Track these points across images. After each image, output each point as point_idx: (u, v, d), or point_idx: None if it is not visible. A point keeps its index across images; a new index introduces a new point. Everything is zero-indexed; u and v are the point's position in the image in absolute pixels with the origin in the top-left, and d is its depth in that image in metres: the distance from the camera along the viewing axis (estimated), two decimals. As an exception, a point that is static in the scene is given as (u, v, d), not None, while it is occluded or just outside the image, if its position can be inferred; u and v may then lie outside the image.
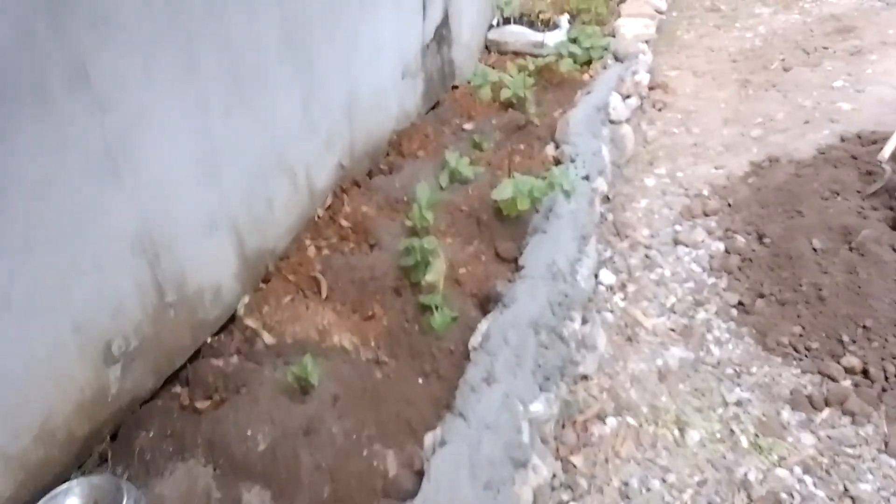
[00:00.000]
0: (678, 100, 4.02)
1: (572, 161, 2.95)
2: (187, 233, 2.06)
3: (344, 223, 2.81)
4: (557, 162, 3.04)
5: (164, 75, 1.86)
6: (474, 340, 2.03)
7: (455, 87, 4.01)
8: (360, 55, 3.00)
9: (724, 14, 5.50)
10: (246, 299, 2.38)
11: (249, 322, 2.31)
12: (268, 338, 2.25)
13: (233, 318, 2.33)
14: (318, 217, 2.82)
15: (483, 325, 2.10)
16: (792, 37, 4.46)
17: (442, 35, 3.83)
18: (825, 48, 4.06)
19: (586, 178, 2.84)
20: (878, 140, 2.91)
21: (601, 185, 2.86)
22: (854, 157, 2.93)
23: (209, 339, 2.24)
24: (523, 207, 2.49)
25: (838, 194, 2.79)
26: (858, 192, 2.76)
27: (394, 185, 3.05)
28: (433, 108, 3.84)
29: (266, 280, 2.51)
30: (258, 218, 2.41)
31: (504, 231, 2.66)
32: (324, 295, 2.43)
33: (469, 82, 3.69)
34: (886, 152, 2.71)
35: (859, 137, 3.03)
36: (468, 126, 3.61)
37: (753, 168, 3.21)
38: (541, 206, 2.61)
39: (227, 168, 2.19)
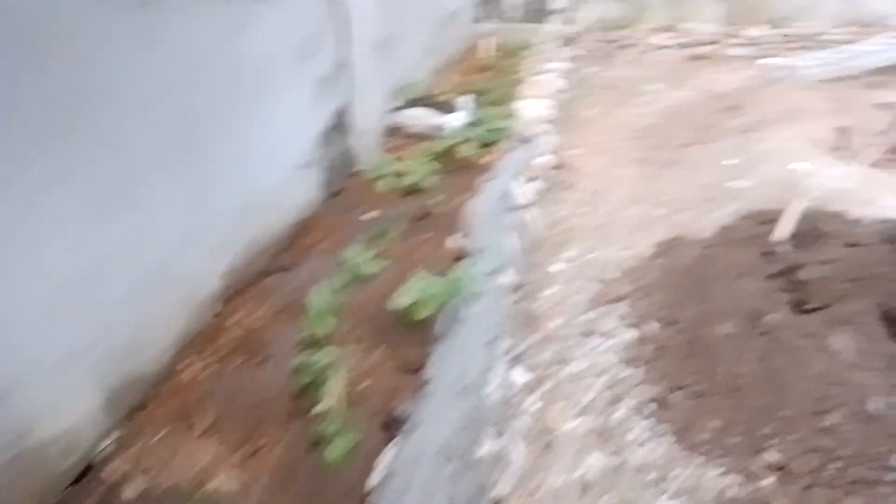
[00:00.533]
0: (583, 179, 4.03)
1: (478, 255, 2.83)
2: (37, 371, 1.76)
3: (234, 334, 2.55)
4: (463, 255, 2.91)
5: (16, 187, 1.61)
6: (375, 478, 1.80)
7: (357, 174, 3.88)
8: (255, 149, 2.82)
9: (621, 91, 5.71)
10: (112, 438, 2.06)
11: (115, 466, 1.99)
12: (136, 485, 1.94)
13: (94, 463, 2.00)
14: (206, 330, 2.55)
15: (386, 457, 1.87)
16: (686, 114, 4.64)
17: (341, 121, 3.71)
18: (717, 125, 4.21)
19: (493, 272, 2.71)
20: (775, 219, 2.96)
21: (509, 278, 2.74)
22: (755, 237, 2.96)
23: (63, 493, 1.90)
24: (426, 314, 2.32)
25: (744, 276, 2.78)
26: (762, 273, 2.77)
27: (292, 285, 2.83)
28: (335, 196, 3.68)
29: (141, 409, 2.20)
30: (132, 339, 2.13)
31: (409, 336, 2.47)
32: (206, 424, 2.14)
33: (369, 173, 3.56)
34: (782, 233, 2.74)
35: (757, 216, 3.08)
36: (371, 215, 3.46)
37: (661, 248, 3.20)
38: (446, 308, 2.45)
39: (94, 288, 1.92)
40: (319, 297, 2.54)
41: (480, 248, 2.89)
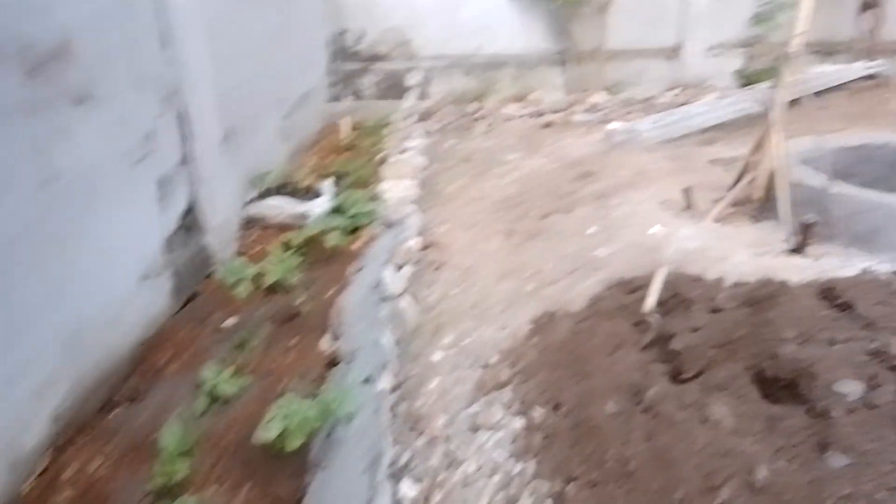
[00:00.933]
0: (453, 257, 3.97)
1: (352, 358, 2.63)
2: None
3: (67, 494, 2.15)
4: (336, 359, 2.70)
5: None
6: None
7: (213, 276, 3.57)
8: (85, 266, 2.49)
9: (479, 163, 5.82)
10: None
11: None
12: None
13: None
14: (31, 493, 2.14)
15: None
16: (543, 183, 4.77)
17: (190, 222, 3.42)
18: (573, 193, 4.35)
19: (368, 379, 2.52)
20: (641, 287, 3.01)
21: (386, 382, 2.56)
22: (624, 307, 3.00)
23: None
24: (297, 443, 2.08)
25: (619, 348, 2.78)
26: (636, 344, 2.79)
27: (139, 419, 2.47)
28: (188, 303, 3.35)
29: None
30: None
31: (280, 468, 2.20)
32: None
33: (226, 274, 3.28)
34: (650, 303, 2.78)
35: (623, 285, 3.13)
36: (231, 322, 3.17)
37: (536, 326, 3.16)
38: (319, 432, 2.22)
39: None
40: (172, 431, 2.22)
41: (354, 350, 2.70)
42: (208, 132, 3.50)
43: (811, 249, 3.63)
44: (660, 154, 5.33)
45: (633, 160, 5.03)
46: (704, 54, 7.79)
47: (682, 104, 6.91)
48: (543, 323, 3.17)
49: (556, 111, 7.14)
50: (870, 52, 7.10)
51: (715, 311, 2.60)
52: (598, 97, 7.15)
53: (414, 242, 3.77)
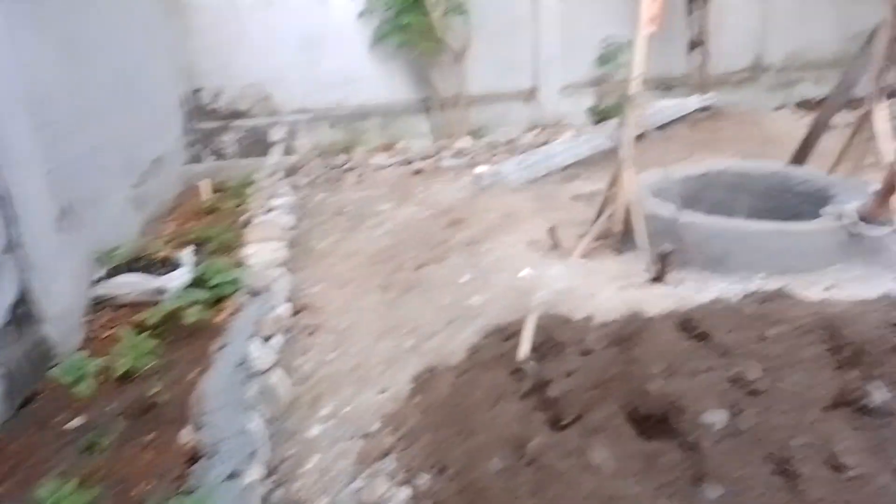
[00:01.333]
0: (328, 319, 3.82)
1: (217, 450, 2.40)
2: None
3: None
4: (198, 454, 2.45)
5: None
6: None
7: (56, 370, 3.18)
8: None
9: (351, 216, 5.72)
10: None
11: None
12: None
13: None
14: None
15: None
16: (416, 232, 4.74)
17: (22, 314, 3.04)
18: (445, 241, 4.35)
19: (238, 469, 2.30)
20: (516, 333, 3.01)
21: (256, 473, 2.35)
22: (502, 355, 2.97)
23: None
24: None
25: (500, 400, 2.74)
26: (515, 393, 2.76)
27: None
28: (26, 405, 2.95)
29: None
30: None
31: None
32: None
33: (71, 367, 2.93)
34: (524, 350, 2.77)
35: (499, 332, 3.12)
36: (76, 423, 2.81)
37: (417, 384, 3.07)
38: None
39: None
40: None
41: (218, 440, 2.47)
42: (39, 213, 3.16)
43: (670, 276, 3.82)
44: (526, 194, 5.49)
45: (500, 202, 5.13)
46: (559, 95, 8.22)
47: (543, 144, 7.21)
48: (424, 380, 3.09)
49: (424, 158, 7.22)
50: (702, 86, 7.80)
51: (586, 352, 2.63)
52: (464, 142, 7.31)
53: (284, 309, 3.58)
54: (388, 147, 7.43)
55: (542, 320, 2.99)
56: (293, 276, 4.18)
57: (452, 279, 3.76)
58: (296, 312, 3.79)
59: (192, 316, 3.48)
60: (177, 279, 3.87)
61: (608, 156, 5.77)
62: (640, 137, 6.51)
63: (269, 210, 5.01)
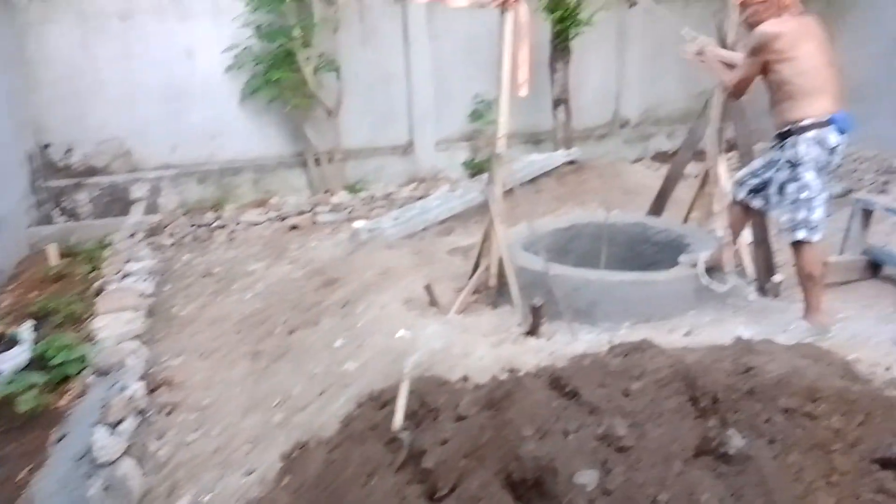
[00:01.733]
0: (189, 394, 3.52)
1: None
2: None
3: None
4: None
5: None
6: None
7: None
8: None
9: (219, 277, 5.42)
10: None
11: None
12: None
13: None
14: None
15: None
16: (288, 295, 4.54)
17: None
18: (319, 303, 4.20)
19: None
20: (391, 399, 2.90)
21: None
22: (376, 425, 2.85)
23: None
24: None
25: (375, 474, 2.60)
26: (390, 466, 2.63)
27: None
28: None
29: None
30: None
31: None
32: None
33: None
34: (398, 419, 2.67)
35: (374, 400, 3.00)
36: None
37: (286, 463, 2.86)
38: None
39: None
40: None
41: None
42: None
43: (543, 329, 3.89)
44: (403, 250, 5.46)
45: (378, 259, 5.06)
46: (434, 149, 8.37)
47: (420, 198, 7.28)
48: (294, 458, 2.89)
49: (300, 213, 7.04)
50: (566, 141, 8.23)
51: (460, 418, 2.57)
52: (341, 196, 7.22)
53: (137, 387, 3.26)
54: (261, 203, 7.19)
55: (417, 384, 2.91)
56: (151, 349, 3.85)
57: (326, 344, 3.61)
58: (152, 390, 3.47)
59: (27, 403, 3.10)
60: (11, 359, 3.45)
61: (482, 209, 5.88)
62: (511, 191, 6.76)
63: (126, 275, 4.63)
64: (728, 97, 3.69)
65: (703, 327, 3.85)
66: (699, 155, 5.19)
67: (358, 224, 6.17)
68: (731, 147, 5.65)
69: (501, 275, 4.38)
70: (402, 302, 4.00)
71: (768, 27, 3.34)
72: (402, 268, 4.90)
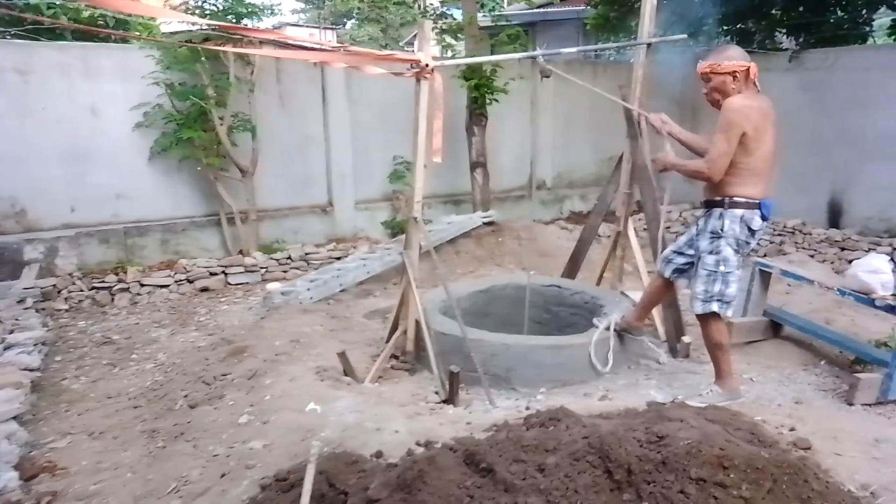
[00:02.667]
0: (74, 481, 3.18)
1: None
2: None
3: None
4: None
5: None
6: None
7: None
8: None
9: (118, 345, 5.06)
10: None
11: None
12: None
13: None
14: None
15: None
16: (192, 366, 4.27)
17: None
18: (224, 375, 3.95)
19: None
20: (298, 482, 2.70)
21: None
22: (279, 512, 2.64)
23: None
24: None
25: (276, 569, 2.40)
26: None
27: None
28: None
29: None
30: None
31: None
32: None
33: None
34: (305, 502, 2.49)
35: (280, 482, 2.79)
36: None
37: (179, 558, 2.60)
38: None
39: None
40: None
41: None
42: None
43: (461, 397, 3.81)
44: (319, 314, 5.29)
45: (291, 324, 4.87)
46: (354, 209, 8.31)
47: (339, 258, 7.15)
48: (189, 552, 2.63)
49: (211, 275, 6.75)
50: (484, 202, 8.37)
51: (370, 502, 2.42)
52: (255, 258, 6.99)
53: (10, 477, 2.91)
54: (169, 264, 6.85)
55: (326, 464, 2.73)
56: (32, 431, 3.49)
57: (230, 420, 3.37)
58: (29, 478, 3.11)
59: None
60: None
61: (401, 270, 5.82)
62: (430, 253, 6.75)
63: (8, 347, 4.23)
64: (706, 181, 3.37)
65: (617, 391, 3.88)
66: (611, 216, 5.36)
67: (272, 286, 5.97)
68: (640, 209, 5.88)
69: (419, 339, 4.30)
70: (314, 372, 3.83)
71: (742, 100, 3.23)
72: (317, 334, 4.73)
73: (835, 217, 8.33)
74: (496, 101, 8.14)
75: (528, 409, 3.66)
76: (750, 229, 3.41)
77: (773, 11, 10.11)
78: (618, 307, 4.49)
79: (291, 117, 7.74)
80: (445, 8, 12.76)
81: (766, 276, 4.43)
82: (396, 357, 4.48)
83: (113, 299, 6.24)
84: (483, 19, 10.57)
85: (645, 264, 4.87)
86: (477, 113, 8.16)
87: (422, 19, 3.83)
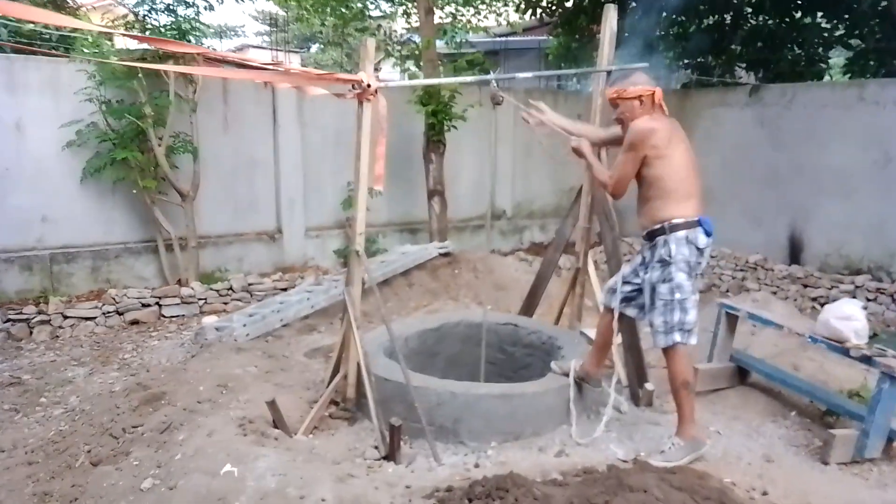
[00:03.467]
0: (-62, 560, 2.70)
1: None
2: None
3: None
4: None
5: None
6: None
7: None
8: None
9: (27, 387, 4.55)
10: None
11: None
12: None
13: None
14: None
15: None
16: (101, 415, 3.77)
17: None
18: (135, 428, 3.49)
19: None
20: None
21: None
22: None
23: None
24: None
25: None
26: None
27: None
28: None
29: None
30: None
31: None
32: None
33: None
34: None
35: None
36: None
37: None
38: None
39: None
40: None
41: None
42: None
43: (403, 452, 3.43)
44: (253, 353, 4.85)
45: (221, 365, 4.42)
46: (304, 237, 7.91)
47: (285, 289, 6.73)
48: None
49: (144, 306, 6.25)
50: (441, 232, 8.05)
51: None
52: (194, 288, 6.52)
53: None
54: (97, 294, 6.33)
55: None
56: None
57: (131, 484, 2.91)
58: None
59: None
60: None
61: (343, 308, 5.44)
62: (383, 284, 6.38)
63: None
64: (608, 195, 3.57)
65: (575, 445, 3.55)
66: (570, 248, 5.09)
67: (207, 320, 5.50)
68: (597, 242, 5.63)
69: (361, 385, 3.91)
70: (237, 425, 3.40)
71: (645, 122, 3.29)
72: (249, 376, 4.30)
73: (795, 253, 8.25)
74: (455, 127, 7.88)
75: (476, 466, 3.31)
76: (697, 249, 3.32)
77: (733, 46, 10.18)
78: (576, 348, 4.19)
79: (238, 139, 7.35)
80: (410, 35, 12.59)
81: (732, 320, 4.19)
82: (337, 403, 4.08)
83: (31, 333, 5.69)
84: (446, 48, 10.39)
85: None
86: (435, 140, 7.88)
87: (364, 36, 3.52)
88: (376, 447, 3.49)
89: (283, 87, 5.55)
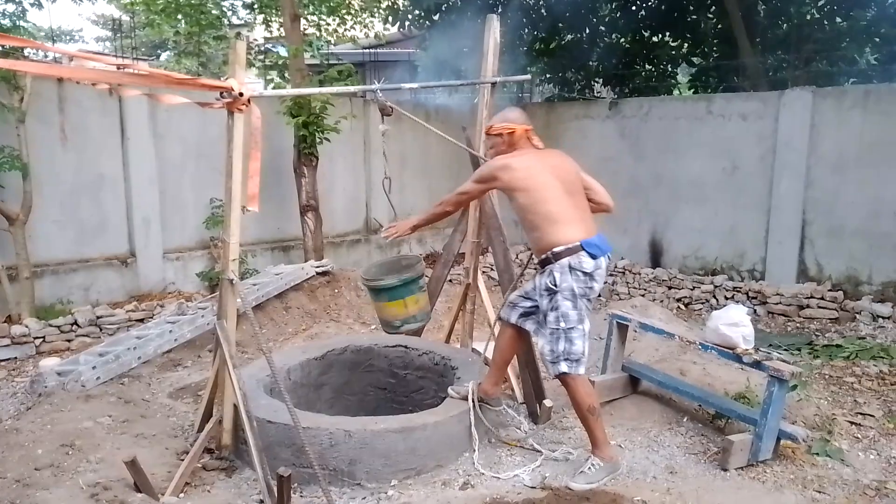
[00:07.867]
0: None
1: None
2: None
3: None
4: None
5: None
6: None
7: None
8: None
9: None
10: None
11: None
12: None
13: None
14: None
15: None
16: None
17: None
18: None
19: None
20: None
21: None
22: None
23: None
24: None
25: None
26: None
27: None
28: None
29: None
30: None
31: None
32: None
33: None
34: None
35: None
36: None
37: None
38: None
39: None
40: None
41: None
42: None
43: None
44: (107, 399, 4.20)
45: (65, 419, 3.77)
46: (163, 260, 7.16)
47: (142, 320, 6.01)
48: None
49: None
50: (317, 249, 7.62)
51: None
52: (28, 325, 5.62)
53: None
54: None
55: None
56: None
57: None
58: None
59: None
60: None
61: (215, 345, 4.90)
62: (257, 309, 5.86)
63: None
64: (448, 209, 3.69)
65: (479, 474, 3.34)
66: (458, 259, 4.93)
67: (46, 364, 4.71)
68: (485, 251, 5.51)
69: (239, 429, 3.47)
70: (88, 495, 2.84)
71: (496, 160, 3.45)
72: (101, 430, 3.68)
73: (656, 257, 8.70)
74: (327, 140, 7.51)
75: (376, 513, 3.01)
76: (584, 273, 3.24)
77: (591, 63, 10.65)
78: (471, 367, 4.01)
79: (80, 153, 6.50)
80: (270, 45, 12.02)
81: (623, 329, 4.20)
82: (211, 451, 3.60)
83: None
84: (312, 59, 9.97)
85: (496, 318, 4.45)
86: (306, 152, 7.45)
87: (234, 39, 3.13)
88: (261, 501, 3.08)
89: (132, 94, 4.94)
